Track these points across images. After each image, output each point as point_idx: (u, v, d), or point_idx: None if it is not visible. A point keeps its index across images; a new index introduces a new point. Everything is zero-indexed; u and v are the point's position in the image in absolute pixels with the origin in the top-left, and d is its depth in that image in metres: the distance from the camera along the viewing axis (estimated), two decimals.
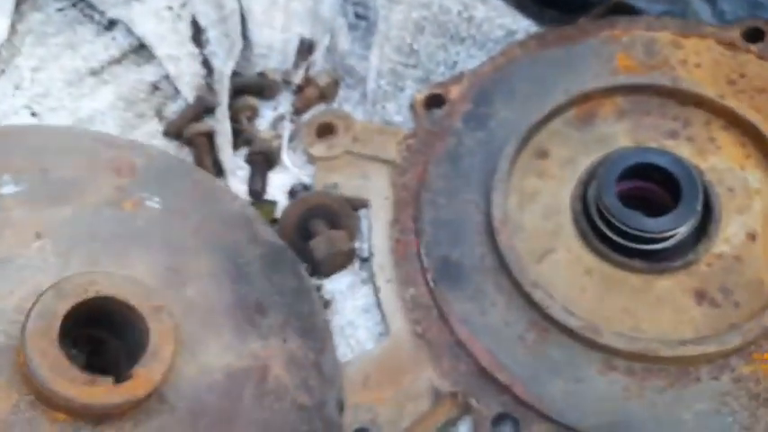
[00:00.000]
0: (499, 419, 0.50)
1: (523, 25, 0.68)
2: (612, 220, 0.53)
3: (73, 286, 0.45)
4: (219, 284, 0.52)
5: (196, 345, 0.48)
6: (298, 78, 0.72)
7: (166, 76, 0.68)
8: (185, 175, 0.60)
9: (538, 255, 0.55)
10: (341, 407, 0.52)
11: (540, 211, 0.57)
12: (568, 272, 0.55)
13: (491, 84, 0.64)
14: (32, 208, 0.51)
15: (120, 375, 0.44)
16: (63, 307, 0.44)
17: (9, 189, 0.52)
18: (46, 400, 0.43)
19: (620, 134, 0.59)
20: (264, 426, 0.48)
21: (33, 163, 0.54)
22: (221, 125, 0.67)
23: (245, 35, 0.71)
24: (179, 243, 0.53)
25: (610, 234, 0.53)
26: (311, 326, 0.54)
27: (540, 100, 0.61)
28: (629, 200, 0.55)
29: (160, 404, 0.45)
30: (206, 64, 0.70)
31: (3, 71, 0.64)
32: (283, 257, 0.57)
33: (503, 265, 0.54)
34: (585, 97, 0.60)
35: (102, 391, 0.43)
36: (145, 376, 0.43)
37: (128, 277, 0.47)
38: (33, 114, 0.63)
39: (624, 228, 0.52)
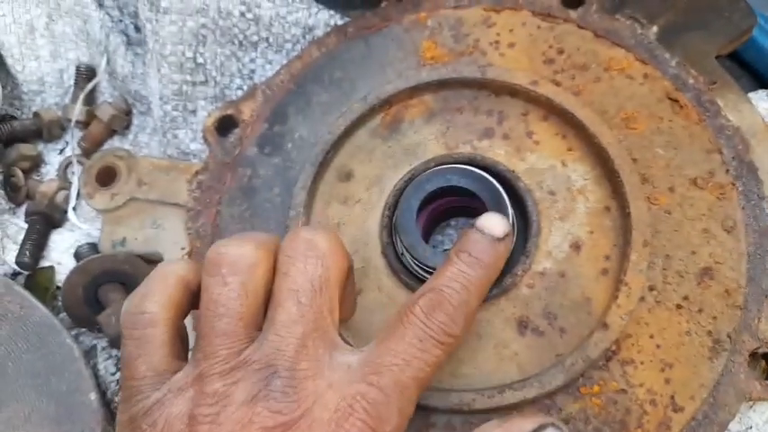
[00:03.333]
0: None
1: (323, 18, 0.63)
2: (412, 259, 0.49)
3: None
4: None
5: None
6: (78, 114, 0.66)
7: None
8: None
9: None
10: None
11: (347, 244, 0.53)
12: (381, 314, 0.50)
13: (286, 96, 0.59)
14: None
15: None
16: None
17: None
18: None
19: (429, 140, 0.54)
20: None
21: None
22: None
23: (8, 72, 0.65)
24: None
25: (417, 269, 0.49)
26: (71, 408, 0.51)
27: (339, 110, 0.56)
28: (443, 216, 0.52)
29: None
30: None
31: None
32: (37, 332, 0.53)
33: None
34: (387, 102, 0.55)
35: None
36: None
37: None
38: None
39: (427, 266, 0.48)
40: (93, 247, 0.61)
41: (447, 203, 0.52)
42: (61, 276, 0.60)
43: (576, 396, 0.46)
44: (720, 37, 0.56)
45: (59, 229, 0.63)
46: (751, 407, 0.48)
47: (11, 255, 0.60)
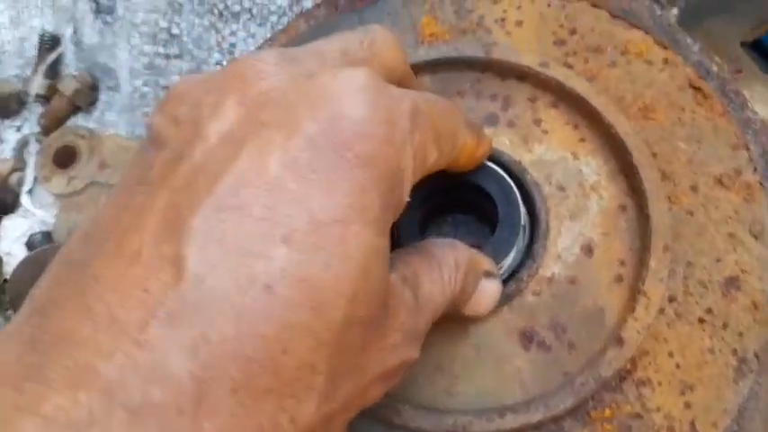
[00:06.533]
0: None
1: None
2: None
3: None
4: None
5: None
6: (39, 87, 0.59)
7: None
8: None
9: None
10: None
11: None
12: None
13: None
14: None
15: None
16: None
17: None
18: None
19: None
20: None
21: None
22: None
23: None
24: None
25: None
26: None
27: None
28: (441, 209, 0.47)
29: None
30: None
31: None
32: None
33: None
34: None
35: None
36: None
37: None
38: None
39: None
40: (48, 236, 0.54)
41: (447, 196, 0.46)
42: (10, 268, 0.53)
43: (585, 421, 0.40)
44: (746, 22, 0.51)
45: (11, 215, 0.56)
46: None
47: None
